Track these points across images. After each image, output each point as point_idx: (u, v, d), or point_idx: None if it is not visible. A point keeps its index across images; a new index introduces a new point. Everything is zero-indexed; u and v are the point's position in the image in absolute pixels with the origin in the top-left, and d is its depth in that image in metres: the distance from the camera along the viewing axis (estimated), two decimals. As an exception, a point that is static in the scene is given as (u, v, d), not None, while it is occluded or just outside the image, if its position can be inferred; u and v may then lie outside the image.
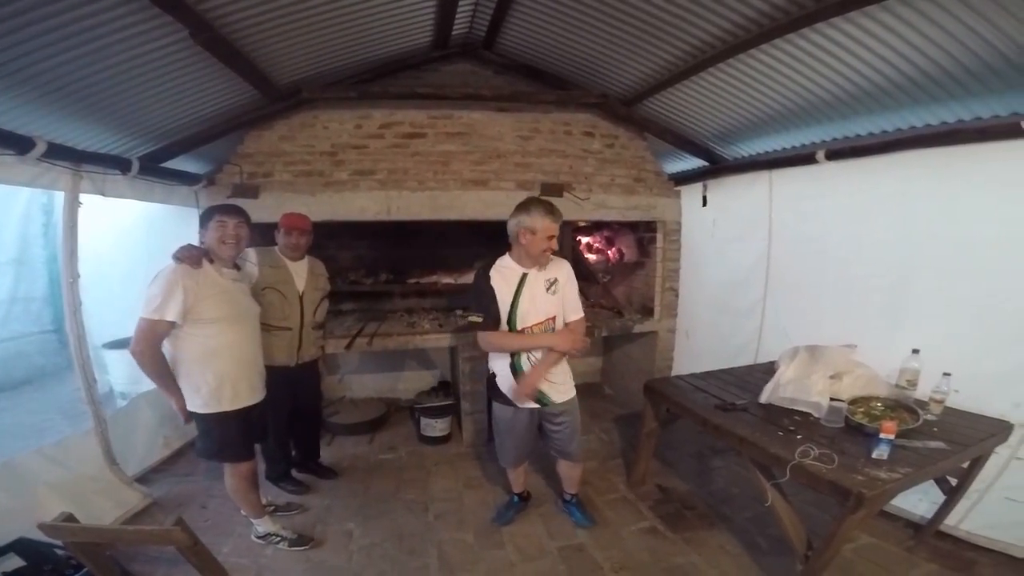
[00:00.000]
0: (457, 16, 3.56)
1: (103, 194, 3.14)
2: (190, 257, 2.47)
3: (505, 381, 2.76)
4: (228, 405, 2.57)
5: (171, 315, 2.34)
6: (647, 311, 4.93)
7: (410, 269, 5.01)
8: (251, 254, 3.05)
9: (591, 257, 5.59)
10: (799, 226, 3.76)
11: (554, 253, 2.68)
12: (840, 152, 3.33)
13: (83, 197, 3.02)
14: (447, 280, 4.90)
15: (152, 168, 3.45)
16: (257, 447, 2.95)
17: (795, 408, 2.72)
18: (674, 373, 4.75)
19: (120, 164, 3.17)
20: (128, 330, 2.42)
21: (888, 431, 2.17)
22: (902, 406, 2.58)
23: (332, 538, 3.03)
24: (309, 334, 3.27)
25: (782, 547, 2.49)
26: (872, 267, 3.22)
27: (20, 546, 2.42)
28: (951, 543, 2.80)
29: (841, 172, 3.36)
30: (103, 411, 3.26)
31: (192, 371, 2.50)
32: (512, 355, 2.72)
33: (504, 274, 2.68)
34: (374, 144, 4.13)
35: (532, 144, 4.39)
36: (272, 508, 3.17)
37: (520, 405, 2.77)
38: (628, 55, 3.59)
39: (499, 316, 2.66)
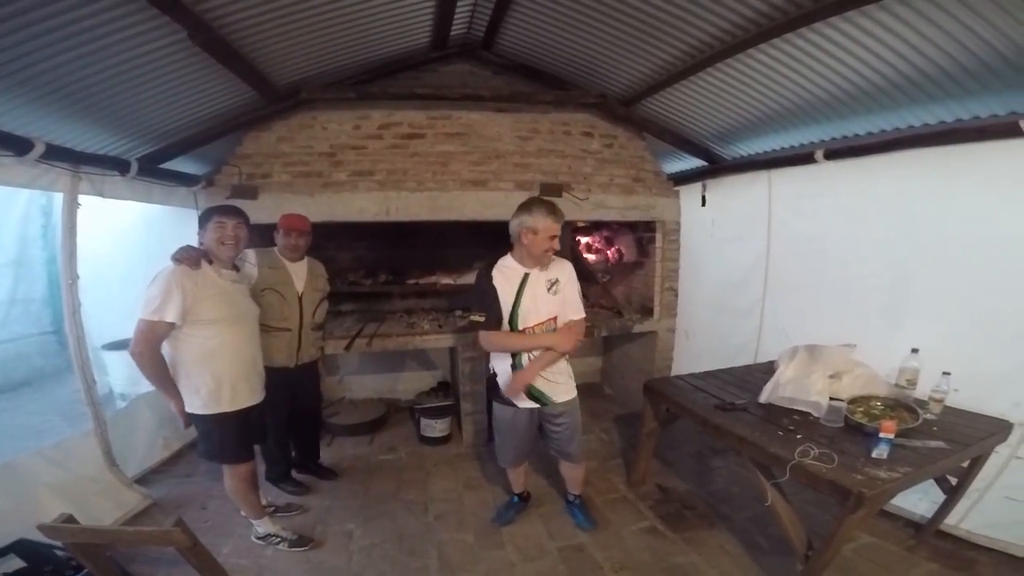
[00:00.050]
0: (456, 16, 3.56)
1: (102, 195, 3.14)
2: (189, 258, 2.46)
3: (506, 381, 2.76)
4: (227, 406, 2.57)
5: (170, 316, 2.34)
6: (646, 311, 4.93)
7: (409, 270, 5.01)
8: (250, 255, 3.05)
9: (590, 257, 5.59)
10: (798, 226, 3.76)
11: (555, 253, 2.68)
12: (839, 152, 3.33)
13: (82, 198, 3.02)
14: (446, 281, 4.90)
15: (151, 169, 3.45)
16: (257, 448, 2.94)
17: (795, 408, 2.72)
18: (673, 373, 4.75)
19: (119, 165, 3.17)
20: (127, 331, 2.42)
21: (888, 430, 2.17)
22: (902, 405, 2.58)
23: (332, 539, 3.03)
24: (308, 335, 3.27)
25: (782, 547, 2.49)
26: (871, 266, 3.22)
27: (20, 547, 2.42)
28: (951, 542, 2.80)
29: (840, 172, 3.36)
30: (103, 412, 3.26)
31: (191, 372, 2.50)
32: (513, 355, 2.72)
33: (506, 274, 2.68)
34: (373, 145, 4.13)
35: (531, 144, 4.39)
36: (272, 509, 3.17)
37: (519, 405, 2.77)
38: (627, 55, 3.59)
39: (501, 316, 2.66)
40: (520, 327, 2.66)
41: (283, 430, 3.37)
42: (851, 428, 2.47)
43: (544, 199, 2.71)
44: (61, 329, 5.70)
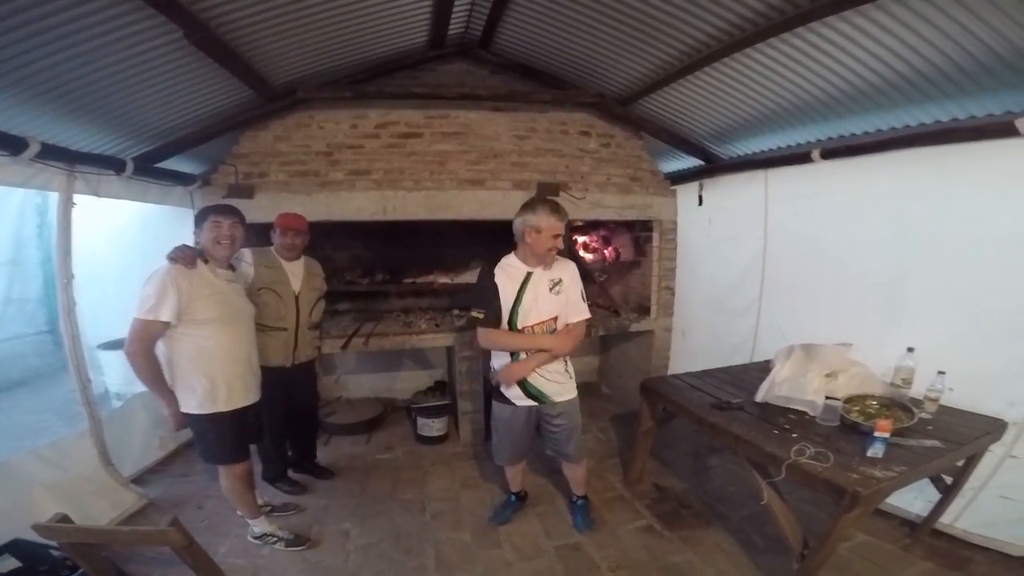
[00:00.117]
0: (453, 16, 3.56)
1: (97, 195, 3.13)
2: (184, 257, 2.46)
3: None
4: (223, 406, 2.56)
5: (165, 315, 2.34)
6: (643, 310, 4.93)
7: (406, 269, 5.00)
8: (246, 254, 3.04)
9: (587, 256, 5.59)
10: (795, 225, 3.76)
11: (559, 253, 2.68)
12: (835, 151, 3.33)
13: (77, 198, 3.01)
14: (443, 280, 4.90)
15: (147, 168, 3.44)
16: (253, 448, 2.94)
17: (791, 407, 2.73)
18: (670, 372, 4.75)
19: (114, 165, 3.16)
20: (123, 331, 2.41)
21: (883, 429, 2.18)
22: (897, 404, 2.59)
23: (329, 538, 3.03)
24: (305, 334, 3.26)
25: (778, 545, 2.49)
26: (867, 266, 3.23)
27: (15, 547, 2.41)
28: (947, 541, 2.81)
29: (836, 171, 3.37)
30: (98, 412, 3.25)
31: (186, 372, 2.49)
32: (512, 354, 2.72)
33: (508, 272, 2.69)
34: (370, 144, 4.12)
35: (528, 144, 4.39)
36: (268, 508, 3.16)
37: (517, 403, 2.77)
38: (624, 54, 3.59)
39: (500, 314, 2.67)
40: (519, 326, 2.66)
41: (279, 430, 3.37)
42: (847, 427, 2.48)
43: (548, 198, 2.72)
44: (56, 328, 5.67)
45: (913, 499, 2.95)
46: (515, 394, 2.76)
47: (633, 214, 4.64)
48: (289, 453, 3.61)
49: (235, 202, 3.35)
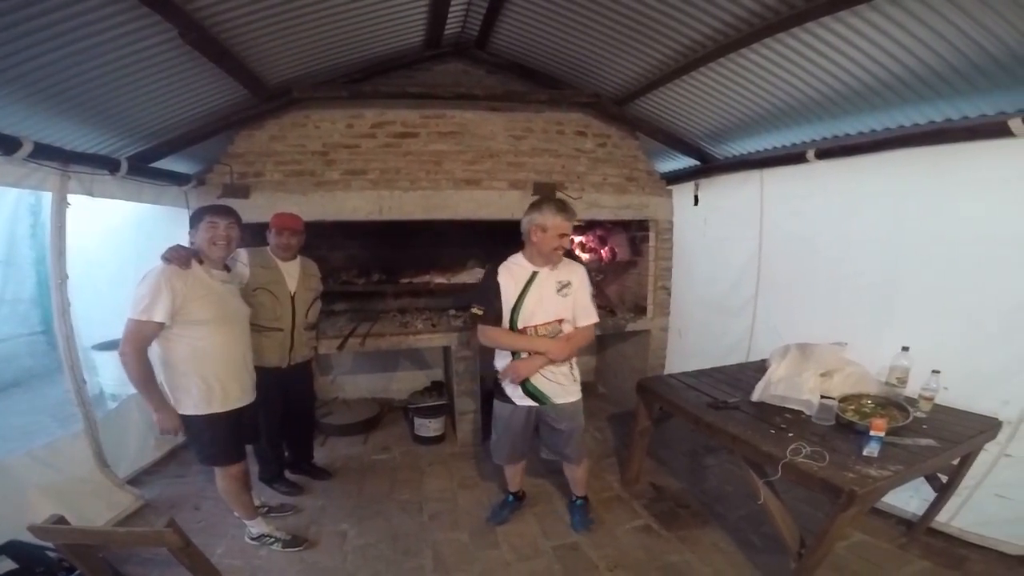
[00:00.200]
0: (449, 15, 3.56)
1: (91, 194, 3.12)
2: (179, 258, 2.44)
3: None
4: (218, 407, 2.55)
5: (159, 316, 2.32)
6: (640, 310, 4.94)
7: (403, 269, 4.98)
8: (242, 254, 3.03)
9: (584, 256, 5.59)
10: (790, 225, 3.78)
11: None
12: (830, 151, 3.35)
13: (71, 198, 2.99)
14: (440, 280, 4.88)
15: (141, 168, 3.42)
16: (249, 448, 2.93)
17: (786, 406, 2.74)
18: (667, 372, 4.76)
19: (108, 164, 3.15)
20: (117, 331, 2.40)
21: (878, 428, 2.18)
22: (892, 404, 2.60)
23: (326, 539, 3.02)
24: (301, 335, 3.25)
25: (775, 545, 2.50)
26: (862, 265, 3.24)
27: (11, 548, 2.39)
28: (943, 540, 2.82)
29: (831, 171, 3.38)
30: (93, 413, 3.24)
31: (182, 373, 2.48)
32: (514, 353, 2.72)
33: (513, 271, 2.69)
34: (366, 144, 4.11)
35: (525, 143, 4.39)
36: (265, 509, 3.16)
37: (517, 402, 2.78)
38: (620, 54, 3.60)
39: (500, 312, 2.67)
40: (521, 325, 2.66)
41: (276, 430, 3.36)
42: (842, 426, 2.49)
43: (557, 198, 2.71)
44: (50, 329, 5.63)
45: (909, 498, 2.97)
46: (516, 393, 2.76)
47: (629, 214, 4.64)
48: (286, 454, 3.60)
49: (230, 202, 3.34)
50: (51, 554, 2.40)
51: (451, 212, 4.21)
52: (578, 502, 3.17)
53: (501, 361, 2.79)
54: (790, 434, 2.44)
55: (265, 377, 2.95)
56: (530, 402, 2.77)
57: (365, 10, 3.16)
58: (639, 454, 3.50)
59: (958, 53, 2.38)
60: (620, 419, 4.71)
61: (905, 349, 2.78)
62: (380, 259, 5.05)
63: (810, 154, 3.42)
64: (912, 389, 2.75)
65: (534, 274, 2.67)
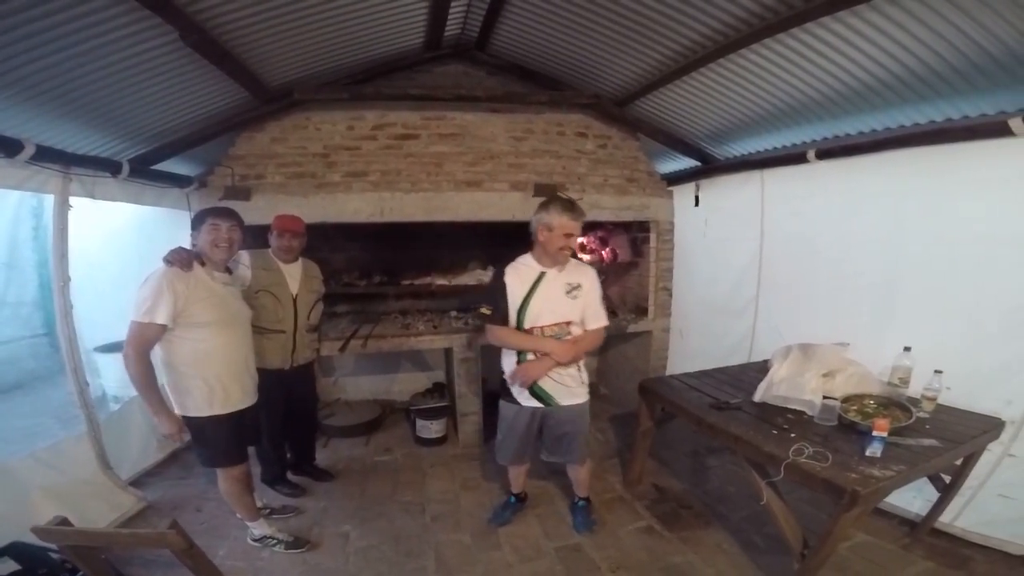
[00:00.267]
0: (449, 17, 3.56)
1: (93, 197, 3.12)
2: (180, 260, 2.44)
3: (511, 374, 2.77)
4: (220, 408, 2.55)
5: (161, 318, 2.32)
6: (641, 311, 4.94)
7: (404, 271, 4.98)
8: (244, 256, 3.03)
9: (585, 258, 5.59)
10: (791, 225, 3.78)
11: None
12: (830, 151, 3.35)
13: (73, 200, 3.00)
14: (441, 281, 4.88)
15: (143, 170, 3.43)
16: (252, 450, 2.93)
17: (789, 406, 2.73)
18: (668, 372, 4.76)
19: (110, 166, 3.16)
20: (120, 334, 2.40)
21: (881, 429, 2.18)
22: (895, 404, 2.59)
23: (328, 540, 3.02)
24: (303, 337, 3.25)
25: (778, 545, 2.50)
26: (863, 265, 3.24)
27: (14, 550, 2.40)
28: (946, 540, 2.81)
29: (832, 171, 3.38)
30: (96, 415, 3.24)
31: (184, 375, 2.48)
32: (519, 353, 2.72)
33: (520, 272, 2.69)
34: (367, 145, 4.12)
35: (525, 145, 4.39)
36: (268, 511, 3.15)
37: (523, 403, 2.77)
38: (620, 55, 3.60)
39: (507, 312, 2.67)
40: (527, 326, 2.66)
41: (278, 432, 3.36)
42: (845, 427, 2.48)
43: (565, 197, 2.71)
44: (53, 331, 5.63)
45: (912, 498, 2.96)
46: (522, 394, 2.76)
47: (630, 215, 4.65)
48: (288, 455, 3.60)
49: (232, 204, 3.33)
50: (54, 555, 2.40)
51: (452, 214, 4.22)
52: (580, 503, 3.16)
53: (507, 361, 2.79)
54: (792, 435, 2.44)
55: (268, 379, 2.95)
56: (535, 403, 2.76)
57: (365, 12, 3.16)
58: (641, 455, 3.49)
59: (958, 53, 2.38)
60: (622, 420, 4.71)
61: (907, 349, 2.78)
62: (381, 261, 5.05)
63: (811, 154, 3.42)
64: (914, 389, 2.74)
65: (542, 274, 2.66)
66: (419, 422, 4.31)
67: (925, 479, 2.65)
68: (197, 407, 2.50)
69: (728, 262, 4.32)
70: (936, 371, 2.65)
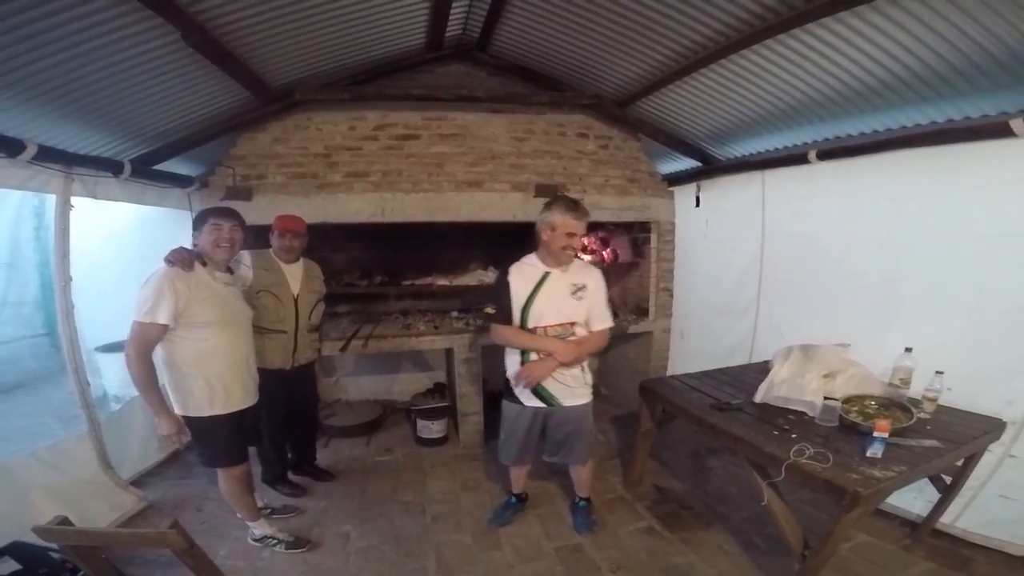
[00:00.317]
0: (451, 18, 3.56)
1: (95, 197, 3.13)
2: (181, 260, 2.45)
3: (514, 374, 2.77)
4: (221, 408, 2.55)
5: (162, 318, 2.32)
6: (642, 311, 4.94)
7: (405, 271, 4.99)
8: (245, 257, 3.02)
9: (586, 258, 5.58)
10: (792, 226, 3.77)
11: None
12: (832, 152, 3.35)
13: (74, 200, 3.00)
14: (442, 282, 4.89)
15: (144, 171, 3.43)
16: (252, 450, 2.93)
17: (789, 407, 2.73)
18: (669, 373, 4.76)
19: (112, 166, 3.16)
20: (121, 334, 2.41)
21: (882, 429, 2.18)
22: (896, 404, 2.59)
23: (329, 540, 3.03)
24: (304, 337, 3.25)
25: (779, 546, 2.49)
26: (864, 266, 3.24)
27: (15, 549, 2.40)
28: (947, 541, 2.81)
29: (833, 172, 3.38)
30: (97, 415, 3.24)
31: (185, 375, 2.48)
32: (522, 353, 2.72)
33: (524, 271, 2.69)
34: (368, 146, 4.12)
35: (526, 145, 4.40)
36: (268, 511, 3.16)
37: (525, 403, 2.77)
38: (621, 56, 3.60)
39: (510, 312, 2.67)
40: (530, 325, 2.66)
41: (279, 432, 3.36)
42: (846, 427, 2.48)
43: (570, 197, 2.70)
44: (54, 331, 5.63)
45: (913, 499, 2.96)
46: (524, 393, 2.76)
47: (631, 215, 4.65)
48: (289, 455, 3.60)
49: (233, 204, 3.33)
50: (54, 555, 2.41)
51: (453, 214, 4.22)
52: (581, 503, 3.16)
53: (511, 361, 2.78)
54: (793, 435, 2.43)
55: (269, 379, 2.95)
56: (538, 403, 2.76)
57: (367, 12, 3.17)
58: (642, 456, 3.49)
59: (959, 53, 2.38)
60: (623, 421, 4.71)
61: (908, 350, 2.77)
62: (382, 261, 5.06)
63: (812, 155, 3.42)
64: (915, 390, 2.73)
65: (546, 274, 2.66)
66: (420, 422, 4.31)
67: (926, 480, 2.65)
68: (198, 407, 2.50)
69: (729, 263, 4.32)
70: (937, 372, 2.64)
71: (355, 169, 4.09)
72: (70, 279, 3.04)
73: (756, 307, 4.10)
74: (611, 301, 4.74)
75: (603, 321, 2.75)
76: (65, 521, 1.74)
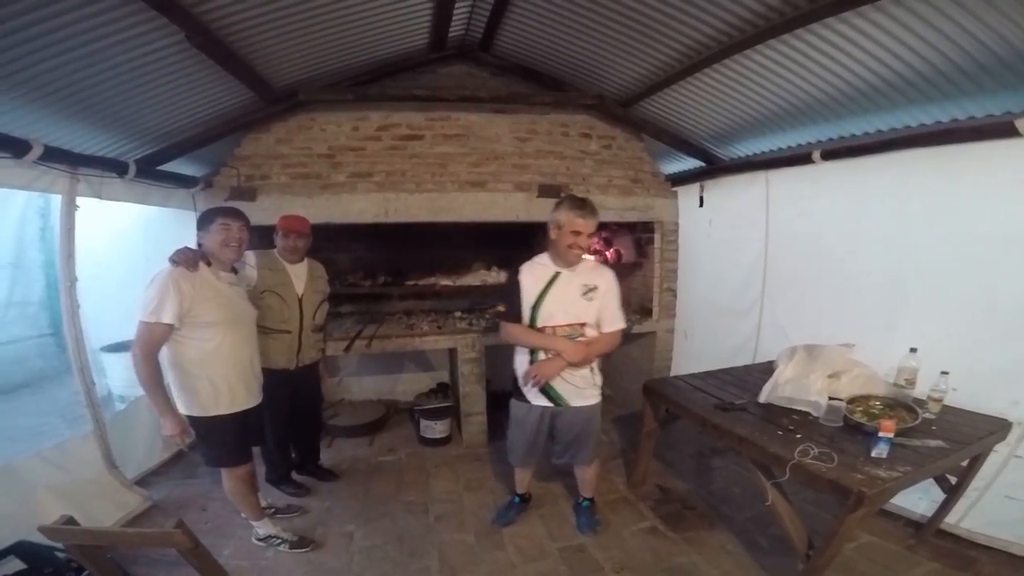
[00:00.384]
0: (454, 18, 3.56)
1: (100, 197, 3.13)
2: (186, 260, 2.45)
3: (523, 374, 2.77)
4: (225, 408, 2.56)
5: (167, 318, 2.33)
6: (645, 312, 4.93)
7: (408, 271, 4.99)
8: (250, 257, 3.02)
9: (589, 258, 5.58)
10: (796, 226, 3.77)
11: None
12: (836, 152, 3.34)
13: (80, 200, 3.01)
14: (445, 282, 4.89)
15: (149, 171, 3.44)
16: (256, 450, 2.94)
17: (794, 407, 2.72)
18: (673, 373, 4.75)
19: (117, 167, 3.17)
20: (126, 333, 2.42)
21: (887, 430, 2.17)
22: (901, 405, 2.59)
23: (333, 540, 3.03)
24: (309, 337, 3.26)
25: (783, 546, 2.49)
26: (869, 266, 3.23)
27: (20, 549, 2.41)
28: (952, 541, 2.80)
29: (837, 172, 3.37)
30: (102, 414, 3.25)
31: (189, 374, 2.49)
32: (532, 352, 2.72)
33: (535, 271, 2.70)
34: (371, 146, 4.13)
35: (529, 145, 4.40)
36: (272, 510, 3.16)
37: (533, 402, 2.77)
38: (624, 56, 3.60)
39: (519, 310, 2.67)
40: (539, 325, 2.66)
41: (283, 432, 3.36)
42: (850, 427, 2.47)
43: (578, 196, 2.70)
44: (59, 331, 5.66)
45: (918, 499, 2.95)
46: (532, 392, 2.76)
47: (634, 215, 4.65)
48: (293, 455, 3.61)
49: (237, 204, 3.34)
50: (59, 555, 2.41)
51: (456, 214, 4.23)
52: (584, 504, 3.16)
53: (520, 360, 2.79)
54: (798, 435, 2.43)
55: (273, 379, 2.96)
56: (546, 402, 2.76)
57: (370, 13, 3.18)
58: (645, 456, 3.49)
59: (964, 53, 2.37)
60: (626, 421, 4.71)
61: (913, 350, 2.76)
62: (386, 261, 5.07)
63: (816, 155, 3.41)
64: (921, 390, 2.72)
65: (556, 274, 2.66)
66: (423, 422, 4.32)
67: (931, 480, 2.64)
68: (202, 407, 2.51)
69: (733, 263, 4.31)
70: (943, 372, 2.63)
71: (359, 169, 4.10)
72: (76, 279, 3.05)
73: (760, 307, 4.10)
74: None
75: (615, 323, 2.74)
76: (71, 521, 1.74)
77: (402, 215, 4.13)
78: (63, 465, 2.98)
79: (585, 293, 2.66)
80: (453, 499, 3.51)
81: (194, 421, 2.53)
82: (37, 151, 2.57)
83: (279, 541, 2.90)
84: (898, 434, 2.23)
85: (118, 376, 4.25)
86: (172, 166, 3.72)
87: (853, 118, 3.19)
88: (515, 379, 2.83)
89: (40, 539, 1.87)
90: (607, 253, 5.35)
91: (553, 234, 2.60)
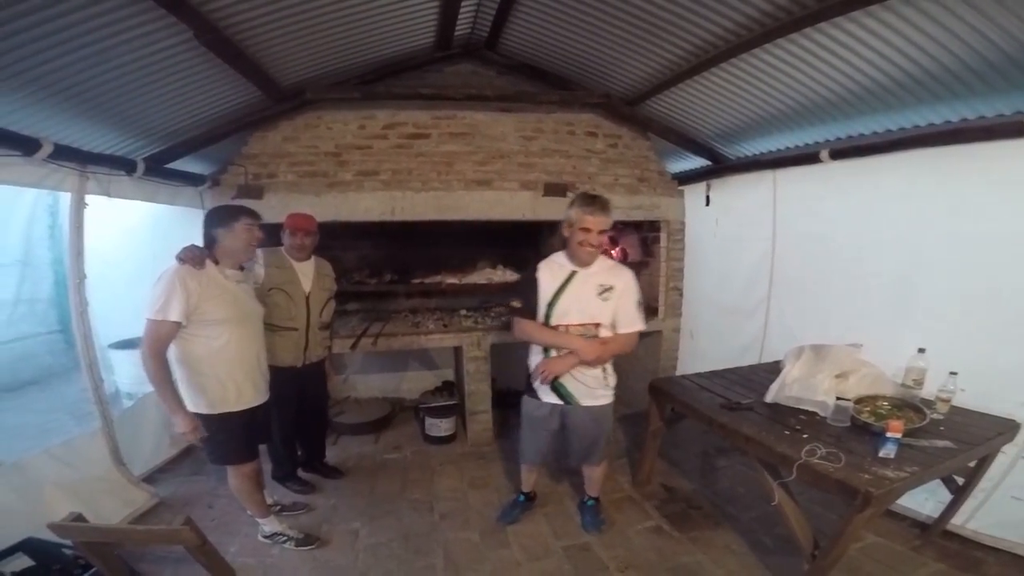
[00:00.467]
0: (460, 17, 3.56)
1: (109, 195, 3.15)
2: (193, 258, 2.47)
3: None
4: (232, 406, 2.57)
5: (174, 315, 2.34)
6: (651, 311, 4.90)
7: (414, 269, 5.00)
8: (258, 255, 3.04)
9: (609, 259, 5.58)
10: (803, 225, 3.75)
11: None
12: (844, 151, 3.32)
13: (89, 198, 3.03)
14: (451, 280, 4.90)
15: (157, 169, 3.46)
16: (263, 447, 2.95)
17: (801, 407, 2.72)
18: (679, 373, 4.74)
19: (125, 165, 3.19)
20: (134, 331, 2.43)
21: (895, 430, 2.17)
22: (908, 405, 2.58)
23: (338, 538, 3.04)
24: (316, 335, 3.27)
25: (788, 546, 2.49)
26: (877, 266, 3.22)
27: (29, 546, 2.43)
28: (958, 542, 2.79)
29: (845, 171, 3.36)
30: (110, 411, 3.27)
31: (196, 372, 2.50)
32: (545, 350, 2.72)
33: (552, 269, 2.70)
34: (378, 145, 4.14)
35: (535, 144, 4.40)
36: (278, 508, 3.18)
37: (543, 398, 2.77)
38: (631, 55, 3.59)
39: (535, 308, 2.67)
40: (554, 323, 2.65)
41: (289, 429, 3.38)
42: (858, 428, 2.47)
43: (589, 193, 2.69)
44: (68, 328, 5.68)
45: (924, 500, 2.94)
46: (543, 389, 2.76)
47: (640, 214, 4.64)
48: (299, 452, 3.62)
49: (244, 202, 3.35)
50: (67, 551, 2.43)
51: (462, 213, 4.23)
52: (589, 502, 3.16)
53: (534, 358, 2.79)
54: (805, 435, 2.42)
55: (280, 376, 2.97)
56: (556, 399, 2.76)
57: (377, 12, 3.18)
58: (651, 455, 3.49)
59: (973, 53, 2.36)
60: (632, 420, 4.69)
61: (921, 351, 2.75)
62: (392, 259, 5.08)
63: (824, 154, 3.39)
64: (929, 391, 2.71)
65: (572, 273, 2.65)
66: (428, 420, 4.33)
67: (938, 481, 2.63)
68: (210, 404, 2.52)
69: (739, 262, 4.30)
70: (951, 373, 2.62)
71: (365, 168, 4.10)
72: (84, 276, 3.07)
73: (767, 307, 4.08)
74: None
75: (631, 324, 2.73)
76: (79, 518, 1.76)
77: (408, 213, 4.14)
78: (71, 462, 3.00)
79: (601, 293, 2.64)
80: (458, 497, 3.51)
81: (201, 418, 2.53)
82: (47, 149, 2.59)
83: (285, 538, 2.91)
84: (906, 434, 2.23)
85: (126, 373, 4.27)
86: (180, 164, 3.74)
87: (862, 117, 3.18)
88: (528, 376, 2.83)
89: (48, 536, 1.89)
90: (613, 252, 5.34)
91: (566, 232, 2.60)
